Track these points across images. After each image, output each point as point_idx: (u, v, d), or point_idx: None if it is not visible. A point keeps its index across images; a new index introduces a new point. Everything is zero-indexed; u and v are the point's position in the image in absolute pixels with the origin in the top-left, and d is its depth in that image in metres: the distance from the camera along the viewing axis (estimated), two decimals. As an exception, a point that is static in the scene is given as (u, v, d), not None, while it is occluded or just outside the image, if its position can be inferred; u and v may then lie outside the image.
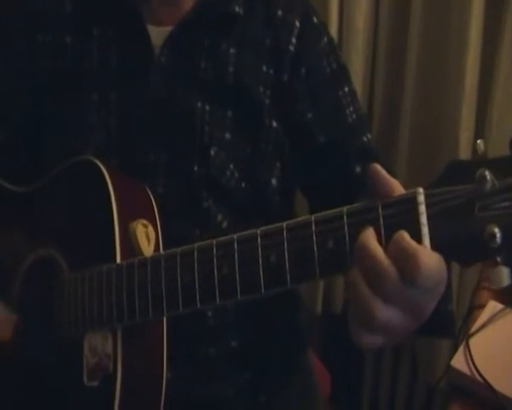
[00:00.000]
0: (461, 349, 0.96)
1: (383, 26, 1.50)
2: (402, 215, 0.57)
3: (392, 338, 0.60)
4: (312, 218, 0.62)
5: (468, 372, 0.92)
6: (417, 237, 0.56)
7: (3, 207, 0.95)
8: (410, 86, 1.46)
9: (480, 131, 1.41)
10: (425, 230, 0.56)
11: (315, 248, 0.61)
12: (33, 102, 0.93)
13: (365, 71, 1.53)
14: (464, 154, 1.40)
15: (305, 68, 0.92)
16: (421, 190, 0.57)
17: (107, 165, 0.83)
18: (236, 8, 0.90)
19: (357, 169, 0.95)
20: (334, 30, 1.49)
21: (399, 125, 1.51)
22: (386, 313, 0.57)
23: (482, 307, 1.04)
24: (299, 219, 0.63)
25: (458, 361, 0.94)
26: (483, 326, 1.00)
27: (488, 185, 0.54)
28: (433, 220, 0.56)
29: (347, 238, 0.60)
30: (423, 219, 0.56)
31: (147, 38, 0.88)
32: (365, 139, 0.97)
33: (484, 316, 1.01)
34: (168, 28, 0.88)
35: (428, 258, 0.55)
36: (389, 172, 0.62)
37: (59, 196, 0.89)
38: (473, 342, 0.96)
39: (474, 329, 0.99)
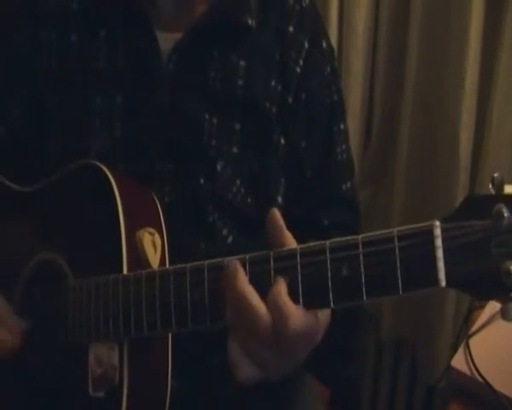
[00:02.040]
0: (461, 349, 0.96)
1: (383, 27, 1.50)
2: (417, 247, 0.57)
3: (267, 372, 0.67)
4: (327, 244, 0.62)
5: (468, 372, 0.92)
6: (432, 271, 0.56)
7: (5, 206, 0.94)
8: (410, 87, 1.46)
9: (480, 131, 1.42)
10: (440, 264, 0.56)
11: (329, 275, 0.62)
12: (34, 99, 0.92)
13: (365, 72, 1.53)
14: (464, 153, 1.40)
15: (306, 94, 0.91)
16: (437, 223, 0.57)
17: (113, 170, 0.81)
18: (249, 21, 0.88)
19: (325, 222, 0.96)
20: (334, 31, 1.50)
21: (399, 126, 1.51)
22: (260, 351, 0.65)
23: (482, 307, 1.04)
24: (313, 244, 0.63)
25: (458, 361, 0.94)
26: (483, 326, 0.99)
27: (505, 222, 0.54)
28: (448, 255, 0.56)
29: (362, 268, 0.60)
30: (439, 253, 0.56)
31: (155, 44, 0.86)
32: (344, 188, 0.98)
33: (484, 316, 1.01)
34: (177, 35, 0.87)
35: (298, 320, 0.62)
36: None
37: (64, 199, 0.87)
38: (473, 342, 0.96)
39: (474, 329, 0.99)
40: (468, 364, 0.93)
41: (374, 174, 1.62)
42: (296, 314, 0.62)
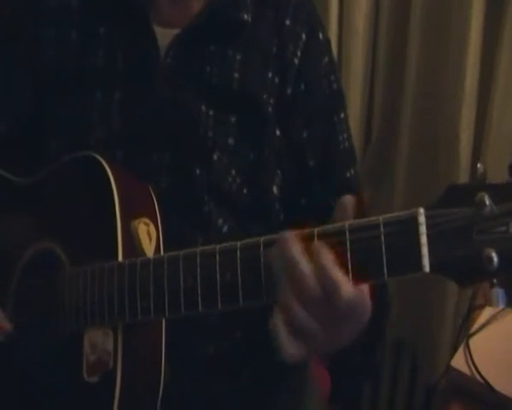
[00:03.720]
0: (461, 349, 0.96)
1: (383, 27, 1.50)
2: (402, 234, 0.59)
3: (310, 350, 0.65)
4: (315, 232, 0.63)
5: (468, 372, 0.92)
6: (417, 257, 0.58)
7: (4, 196, 0.96)
8: (409, 87, 1.46)
9: (479, 131, 1.42)
10: (424, 250, 0.58)
11: None
12: (35, 96, 0.94)
13: (365, 72, 1.53)
14: (464, 153, 1.40)
15: (305, 84, 0.92)
16: (421, 210, 0.59)
17: (109, 161, 0.83)
18: (245, 16, 0.89)
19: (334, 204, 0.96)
20: (333, 31, 1.50)
21: (399, 126, 1.51)
22: (307, 319, 0.63)
23: (482, 307, 1.04)
24: (304, 231, 0.64)
25: (458, 361, 0.94)
26: (483, 326, 1.00)
27: (487, 210, 0.56)
28: (432, 241, 0.58)
29: (349, 254, 0.61)
30: (423, 239, 0.58)
31: (153, 39, 0.88)
32: (348, 175, 0.98)
33: (484, 316, 1.01)
34: (175, 30, 0.88)
35: (350, 290, 0.61)
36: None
37: (61, 189, 0.89)
38: (473, 342, 0.96)
39: (474, 329, 0.99)
40: (468, 364, 0.93)
41: (374, 174, 1.62)
42: (348, 284, 0.61)
